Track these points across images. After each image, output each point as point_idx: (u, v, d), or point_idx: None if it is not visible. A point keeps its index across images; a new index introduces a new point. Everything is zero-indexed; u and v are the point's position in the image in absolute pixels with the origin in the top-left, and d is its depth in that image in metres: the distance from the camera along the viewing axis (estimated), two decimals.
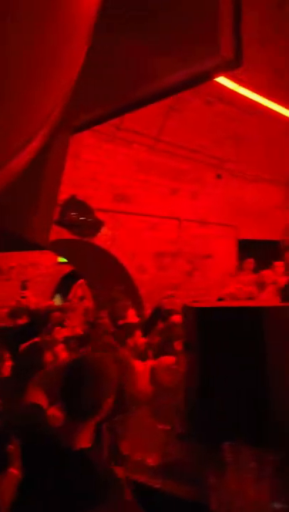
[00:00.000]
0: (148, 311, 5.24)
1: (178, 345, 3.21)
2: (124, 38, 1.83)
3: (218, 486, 1.55)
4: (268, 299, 5.76)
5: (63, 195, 4.95)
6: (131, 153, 5.33)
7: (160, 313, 4.14)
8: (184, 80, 2.22)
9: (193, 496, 1.69)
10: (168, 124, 5.47)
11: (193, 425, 2.01)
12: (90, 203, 5.25)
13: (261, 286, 6.35)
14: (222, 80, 3.97)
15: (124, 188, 5.28)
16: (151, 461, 1.84)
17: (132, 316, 3.84)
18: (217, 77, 3.44)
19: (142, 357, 3.35)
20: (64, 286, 7.47)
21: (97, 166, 5.35)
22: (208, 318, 1.87)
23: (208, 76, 2.41)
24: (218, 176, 6.42)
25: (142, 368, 3.25)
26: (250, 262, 6.88)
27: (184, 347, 2.12)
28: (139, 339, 3.42)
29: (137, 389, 2.85)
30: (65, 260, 7.12)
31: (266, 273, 6.30)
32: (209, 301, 4.65)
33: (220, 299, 5.29)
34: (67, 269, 7.72)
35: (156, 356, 3.28)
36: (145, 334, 3.74)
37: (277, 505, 2.04)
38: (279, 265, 6.47)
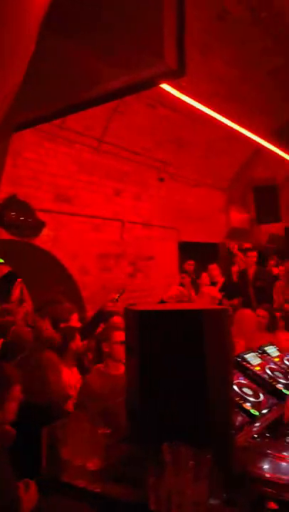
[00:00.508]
0: (90, 313, 5.21)
1: (105, 347, 3.22)
2: (70, 41, 1.82)
3: (156, 485, 1.58)
4: (205, 301, 5.95)
5: (3, 195, 4.79)
6: (73, 153, 5.27)
7: (103, 316, 4.13)
8: (128, 85, 2.24)
9: (134, 498, 1.71)
10: (111, 125, 5.48)
11: (134, 427, 2.03)
12: (31, 203, 5.12)
13: (199, 287, 6.57)
14: (164, 86, 4.04)
15: (66, 188, 5.21)
16: (91, 465, 1.84)
17: (74, 320, 3.80)
18: (161, 84, 3.51)
19: (82, 360, 3.33)
20: (1, 287, 7.24)
21: (39, 165, 5.24)
22: (148, 320, 1.90)
23: (152, 83, 2.46)
24: (161, 179, 6.52)
25: (68, 373, 3.24)
26: (190, 264, 7.08)
27: (125, 350, 2.14)
28: (79, 342, 3.40)
29: (64, 393, 2.84)
30: (1, 261, 6.90)
31: (203, 275, 6.57)
32: (150, 303, 4.71)
33: (162, 302, 5.38)
34: (5, 269, 7.48)
35: (94, 359, 3.27)
36: (87, 337, 3.72)
37: (213, 501, 2.12)
38: (213, 268, 6.77)
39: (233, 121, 5.85)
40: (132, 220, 6.22)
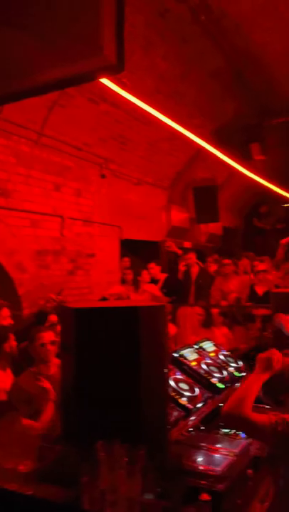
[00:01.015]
0: (27, 311, 5.06)
1: (32, 349, 3.15)
2: (6, 29, 1.74)
3: (90, 484, 1.56)
4: (145, 298, 6.03)
5: None
6: (11, 146, 5.08)
7: (42, 316, 4.04)
8: (65, 77, 2.18)
9: (67, 499, 1.68)
10: (52, 118, 5.34)
11: (69, 427, 2.00)
12: None
13: (139, 285, 6.65)
14: (106, 82, 4.00)
15: (2, 182, 5.01)
16: (23, 467, 1.78)
17: (5, 317, 3.67)
18: (101, 78, 3.47)
19: (19, 362, 3.24)
20: None
21: None
22: (83, 318, 1.87)
23: (91, 76, 2.41)
24: (103, 176, 6.47)
25: (2, 375, 3.14)
26: (125, 261, 7.12)
27: (61, 348, 2.10)
28: (13, 343, 3.29)
29: None
30: None
31: (144, 273, 6.64)
32: (86, 301, 4.67)
33: (103, 299, 5.35)
34: None
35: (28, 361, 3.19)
36: (25, 337, 3.62)
37: (147, 496, 2.13)
38: (152, 266, 6.87)
39: (173, 120, 5.92)
40: (73, 216, 6.12)
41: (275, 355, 2.13)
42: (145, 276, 6.84)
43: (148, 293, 6.71)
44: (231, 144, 7.40)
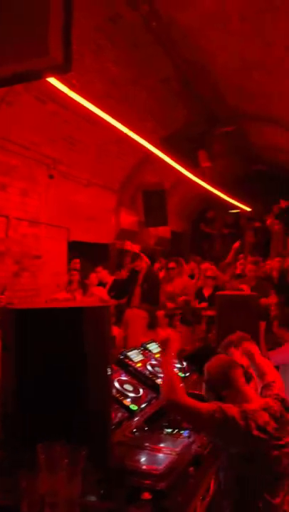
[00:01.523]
0: None
1: None
2: None
3: (29, 487, 1.54)
4: (94, 301, 6.01)
5: None
6: None
7: None
8: (12, 74, 2.15)
9: (5, 503, 1.65)
10: None
11: (9, 429, 1.95)
12: None
13: (86, 287, 6.61)
14: (54, 82, 3.96)
15: None
16: None
17: None
18: (48, 77, 3.43)
19: None
20: None
21: None
22: (23, 319, 1.85)
23: (38, 75, 2.40)
24: (50, 176, 6.37)
25: None
26: (75, 263, 7.05)
27: (2, 349, 2.04)
28: None
29: None
30: None
31: (91, 276, 6.62)
32: (36, 303, 4.57)
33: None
34: None
35: None
36: None
37: (89, 498, 2.13)
38: (100, 270, 6.89)
39: (123, 124, 5.97)
40: (19, 216, 5.97)
41: (171, 335, 2.37)
42: (93, 279, 6.81)
43: (96, 296, 6.68)
44: (180, 150, 7.56)
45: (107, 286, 7.05)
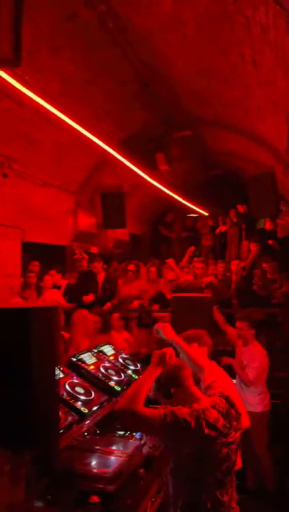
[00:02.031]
0: None
1: None
2: None
3: None
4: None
5: None
6: None
7: None
8: None
9: None
10: None
11: None
12: None
13: (41, 290, 6.49)
14: (8, 78, 3.86)
15: None
16: None
17: None
18: None
19: None
20: None
21: None
22: None
23: None
24: (4, 175, 6.21)
25: None
26: (34, 265, 6.91)
27: None
28: None
29: None
30: None
31: (46, 278, 6.52)
32: None
33: None
34: None
35: None
36: None
37: (37, 504, 2.06)
38: (53, 273, 6.82)
39: (80, 124, 5.91)
40: None
41: (169, 351, 2.27)
42: (47, 282, 6.69)
43: (50, 299, 6.57)
44: (138, 153, 7.58)
45: (62, 290, 6.97)
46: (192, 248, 7.97)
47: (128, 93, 6.63)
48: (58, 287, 6.93)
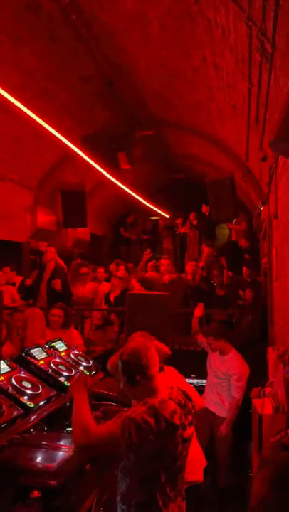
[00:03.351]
0: None
1: None
2: None
3: None
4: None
5: None
6: None
7: None
8: None
9: None
10: None
11: None
12: None
13: None
14: None
15: None
16: None
17: None
18: None
19: None
20: None
21: None
22: None
23: None
24: None
25: None
26: None
27: None
28: None
29: None
30: None
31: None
32: None
33: None
34: None
35: None
36: None
37: None
38: (6, 271, 6.68)
39: (41, 118, 5.80)
40: None
41: (82, 376, 2.40)
42: (0, 278, 6.52)
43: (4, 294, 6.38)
44: (100, 152, 7.53)
45: (16, 286, 6.81)
46: (148, 252, 7.97)
47: (91, 90, 6.58)
48: (12, 284, 6.76)
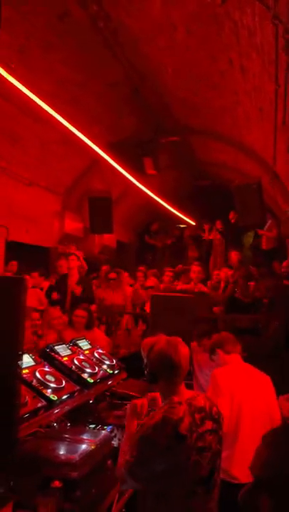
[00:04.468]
0: None
1: None
2: None
3: None
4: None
5: None
6: None
7: None
8: None
9: None
10: None
11: None
12: None
13: None
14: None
15: None
16: None
17: None
18: None
19: None
20: None
21: None
22: None
23: None
24: None
25: None
26: (12, 265, 6.85)
27: None
28: None
29: None
30: None
31: (25, 277, 6.46)
32: None
33: None
34: None
35: None
36: None
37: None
38: (35, 276, 6.80)
39: (69, 123, 5.91)
40: None
41: (139, 401, 2.18)
42: (28, 281, 6.62)
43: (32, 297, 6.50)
44: (126, 158, 7.60)
45: (44, 291, 6.90)
46: (180, 267, 7.99)
47: (118, 97, 6.67)
48: (40, 289, 6.86)
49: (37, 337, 4.64)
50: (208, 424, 1.96)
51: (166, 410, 1.89)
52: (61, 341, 4.30)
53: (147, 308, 6.46)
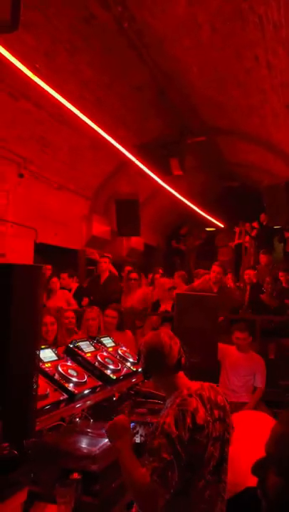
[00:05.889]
0: None
1: None
2: None
3: None
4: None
5: None
6: None
7: None
8: None
9: None
10: None
11: None
12: None
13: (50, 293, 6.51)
14: (18, 64, 3.93)
15: None
16: None
17: None
18: None
19: None
20: None
21: None
22: None
23: None
24: (20, 175, 6.31)
25: None
26: (47, 269, 6.94)
27: None
28: None
29: None
30: None
31: (53, 280, 6.54)
32: None
33: None
34: None
35: None
36: None
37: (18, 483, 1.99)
38: (64, 277, 6.87)
39: (98, 126, 5.98)
40: None
41: (120, 420, 2.04)
42: (56, 283, 6.68)
43: (60, 300, 6.57)
44: (152, 159, 7.61)
45: (72, 292, 6.96)
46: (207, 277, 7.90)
47: (144, 99, 6.70)
48: (69, 290, 6.93)
49: (68, 335, 4.68)
50: (216, 413, 1.94)
51: (180, 403, 1.85)
52: None
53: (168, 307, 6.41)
